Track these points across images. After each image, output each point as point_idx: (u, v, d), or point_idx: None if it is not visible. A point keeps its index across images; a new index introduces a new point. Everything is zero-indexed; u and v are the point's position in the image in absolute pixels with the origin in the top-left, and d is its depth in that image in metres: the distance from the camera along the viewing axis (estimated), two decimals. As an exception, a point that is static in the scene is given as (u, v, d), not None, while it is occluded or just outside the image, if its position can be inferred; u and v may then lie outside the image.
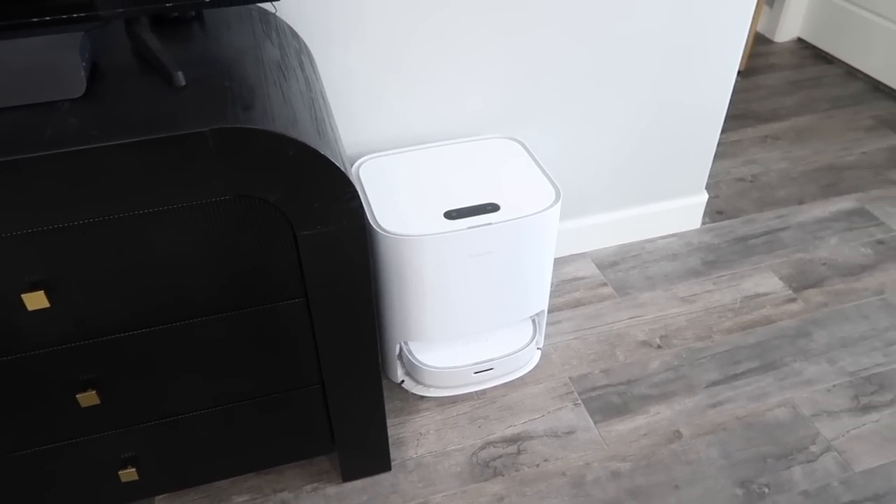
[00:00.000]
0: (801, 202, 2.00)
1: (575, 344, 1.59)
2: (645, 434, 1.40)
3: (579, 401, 1.46)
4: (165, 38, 1.02)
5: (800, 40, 2.86)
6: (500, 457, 1.36)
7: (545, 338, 1.60)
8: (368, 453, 1.28)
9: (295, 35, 1.18)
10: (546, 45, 1.45)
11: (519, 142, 1.45)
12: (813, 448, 1.36)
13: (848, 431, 1.39)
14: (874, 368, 1.52)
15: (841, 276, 1.75)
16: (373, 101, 1.41)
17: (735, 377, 1.50)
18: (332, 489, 1.31)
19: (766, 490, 1.29)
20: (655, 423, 1.42)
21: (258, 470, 1.25)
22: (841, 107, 2.43)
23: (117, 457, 1.12)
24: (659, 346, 1.58)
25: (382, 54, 1.35)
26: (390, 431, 1.41)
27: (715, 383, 1.49)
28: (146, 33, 0.92)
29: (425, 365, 1.41)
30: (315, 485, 1.31)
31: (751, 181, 2.09)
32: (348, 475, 1.31)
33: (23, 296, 0.88)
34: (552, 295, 1.71)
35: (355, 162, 1.42)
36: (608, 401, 1.46)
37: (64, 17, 0.85)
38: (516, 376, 1.50)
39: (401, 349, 1.44)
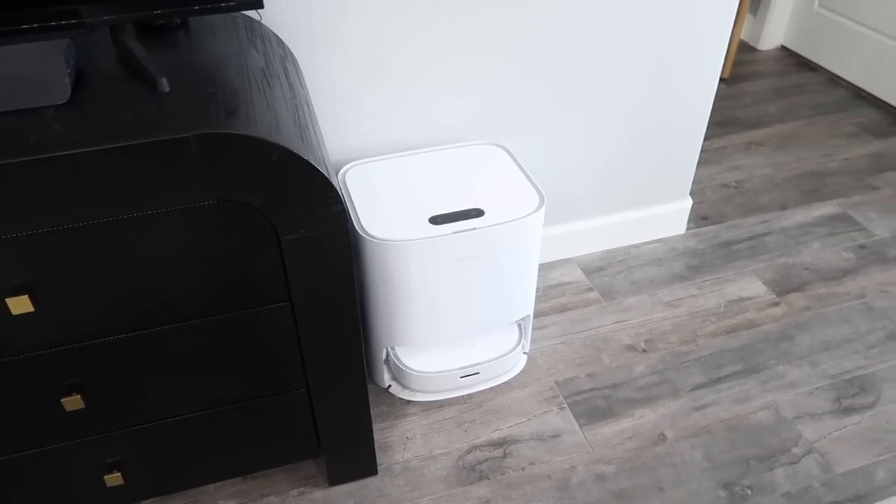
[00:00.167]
0: (784, 207, 2.03)
1: (561, 348, 1.60)
2: (630, 437, 1.41)
3: (565, 404, 1.47)
4: (151, 46, 1.03)
5: (783, 48, 2.89)
6: (487, 460, 1.37)
7: (531, 342, 1.61)
8: (355, 457, 1.29)
9: (280, 42, 1.19)
10: (531, 51, 1.46)
11: (503, 148, 1.47)
12: (795, 450, 1.38)
13: (830, 433, 1.41)
14: (856, 371, 1.53)
15: (823, 281, 1.77)
16: (358, 107, 1.42)
17: (719, 380, 1.52)
18: (318, 493, 1.31)
19: (749, 492, 1.31)
20: (640, 426, 1.43)
21: (244, 474, 1.26)
22: (823, 113, 2.46)
23: (103, 461, 1.12)
24: (644, 351, 1.59)
25: (367, 61, 1.37)
26: (377, 436, 1.41)
27: (699, 387, 1.51)
28: (131, 41, 0.93)
29: (412, 369, 1.42)
30: (302, 489, 1.32)
31: (735, 187, 2.11)
32: (335, 479, 1.31)
33: (7, 300, 0.88)
34: (538, 300, 1.72)
35: (341, 168, 1.43)
36: (593, 404, 1.47)
37: (49, 24, 0.86)
38: (502, 380, 1.51)
39: (387, 354, 1.44)
